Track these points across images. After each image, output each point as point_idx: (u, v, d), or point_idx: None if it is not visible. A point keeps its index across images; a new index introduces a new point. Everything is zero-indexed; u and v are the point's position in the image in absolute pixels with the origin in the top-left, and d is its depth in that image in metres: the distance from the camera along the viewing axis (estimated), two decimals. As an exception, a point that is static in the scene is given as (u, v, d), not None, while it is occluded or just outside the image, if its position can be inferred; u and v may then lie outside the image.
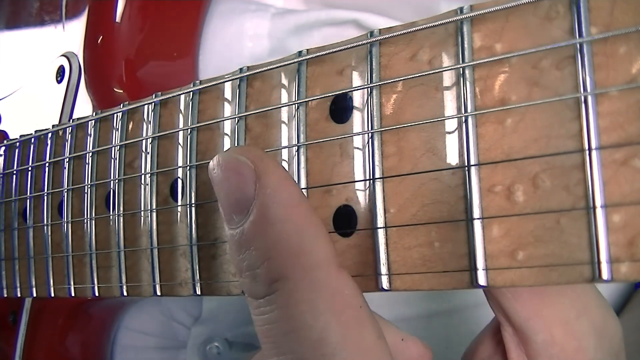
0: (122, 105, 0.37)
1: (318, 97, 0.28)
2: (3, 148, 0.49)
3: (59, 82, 0.52)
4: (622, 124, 0.20)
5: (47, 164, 0.43)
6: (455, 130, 0.24)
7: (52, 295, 0.42)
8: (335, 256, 0.24)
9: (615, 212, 0.20)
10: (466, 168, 0.23)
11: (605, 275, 0.20)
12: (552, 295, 0.26)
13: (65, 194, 0.41)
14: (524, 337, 0.27)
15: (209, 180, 0.32)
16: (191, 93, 0.33)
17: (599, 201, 0.20)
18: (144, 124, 0.36)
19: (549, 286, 0.25)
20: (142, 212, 0.35)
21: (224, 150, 0.28)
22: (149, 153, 0.35)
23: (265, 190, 0.24)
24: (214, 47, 0.53)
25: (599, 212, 0.20)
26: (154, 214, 0.35)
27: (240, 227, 0.24)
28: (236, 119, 0.31)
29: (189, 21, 0.52)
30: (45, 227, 0.43)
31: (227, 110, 0.32)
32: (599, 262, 0.20)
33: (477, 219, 0.23)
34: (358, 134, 0.26)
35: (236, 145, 0.30)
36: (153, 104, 0.35)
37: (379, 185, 0.25)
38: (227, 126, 0.31)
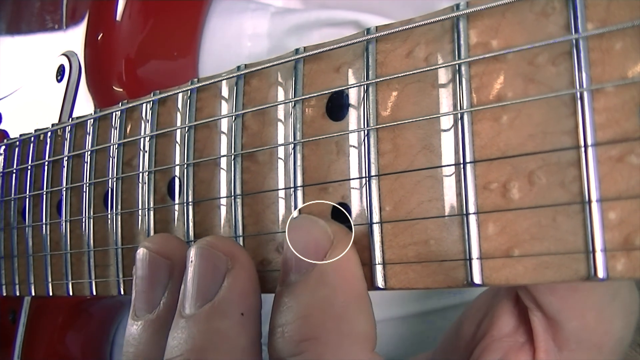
0: (120, 103, 0.37)
1: (315, 94, 0.28)
2: (3, 147, 0.49)
3: (59, 81, 0.52)
4: (618, 120, 0.19)
5: (46, 163, 0.43)
6: (451, 127, 0.23)
7: (51, 293, 0.42)
8: (374, 340, 0.24)
9: (611, 209, 0.20)
10: (462, 165, 0.23)
11: (600, 273, 0.20)
12: (588, 286, 0.26)
13: (64, 192, 0.41)
14: (554, 323, 0.27)
15: (207, 178, 0.32)
16: (189, 91, 0.33)
17: (594, 198, 0.20)
18: (143, 122, 0.36)
19: None
20: (140, 211, 0.35)
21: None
22: (146, 151, 0.35)
23: (331, 259, 0.24)
24: (212, 46, 0.53)
25: (595, 209, 0.20)
26: (152, 212, 0.35)
27: (294, 281, 0.25)
28: (233, 117, 0.31)
29: (190, 20, 0.52)
30: (44, 225, 0.43)
31: (225, 108, 0.32)
32: (594, 260, 0.20)
33: (473, 213, 0.22)
34: (354, 131, 0.26)
35: (234, 142, 0.30)
36: (151, 102, 0.35)
37: (374, 183, 0.25)
38: (224, 124, 0.31)
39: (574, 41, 0.20)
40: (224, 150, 0.31)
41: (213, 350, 0.25)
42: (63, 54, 0.52)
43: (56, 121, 0.51)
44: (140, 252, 0.29)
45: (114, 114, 0.38)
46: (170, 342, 0.26)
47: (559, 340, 0.28)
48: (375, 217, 0.25)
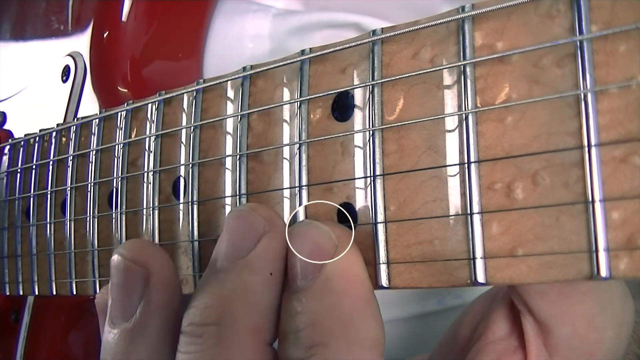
0: (125, 104, 0.37)
1: (320, 94, 0.28)
2: (8, 147, 0.49)
3: (64, 81, 0.52)
4: (622, 121, 0.20)
5: (51, 163, 0.43)
6: (455, 128, 0.24)
7: (54, 292, 0.42)
8: (382, 344, 0.24)
9: (614, 209, 0.20)
10: (466, 165, 0.23)
11: (603, 272, 0.20)
12: (578, 294, 0.26)
13: (69, 192, 0.41)
14: (545, 329, 0.27)
15: (212, 178, 0.32)
16: (194, 92, 0.33)
17: (598, 198, 0.20)
18: (148, 122, 0.36)
19: (576, 285, 0.25)
20: (144, 211, 0.36)
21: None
22: (152, 151, 0.35)
23: (334, 263, 0.25)
24: (214, 47, 0.53)
25: (598, 209, 0.20)
26: (156, 212, 0.35)
27: (300, 288, 0.25)
28: (239, 117, 0.31)
29: (195, 21, 0.52)
30: (48, 225, 0.43)
31: (230, 108, 0.32)
32: (597, 259, 0.20)
33: (477, 213, 0.23)
34: (359, 131, 0.26)
35: (239, 142, 0.31)
36: (157, 102, 0.35)
37: (379, 183, 0.25)
38: (230, 124, 0.32)
39: (578, 43, 0.21)
40: (229, 150, 0.31)
41: (238, 301, 0.25)
42: (68, 55, 0.53)
43: (61, 121, 0.51)
44: (115, 258, 0.29)
45: (119, 114, 0.38)
46: (199, 289, 0.26)
47: (550, 346, 0.28)
48: (380, 217, 0.25)
